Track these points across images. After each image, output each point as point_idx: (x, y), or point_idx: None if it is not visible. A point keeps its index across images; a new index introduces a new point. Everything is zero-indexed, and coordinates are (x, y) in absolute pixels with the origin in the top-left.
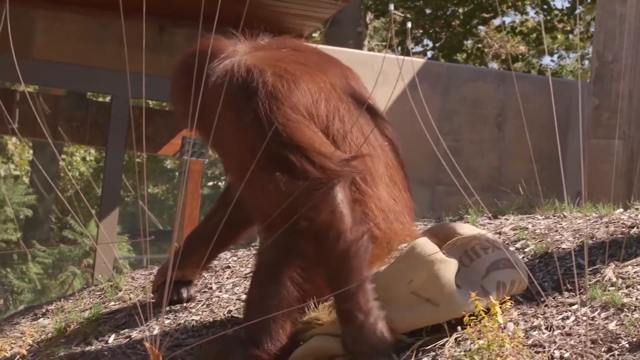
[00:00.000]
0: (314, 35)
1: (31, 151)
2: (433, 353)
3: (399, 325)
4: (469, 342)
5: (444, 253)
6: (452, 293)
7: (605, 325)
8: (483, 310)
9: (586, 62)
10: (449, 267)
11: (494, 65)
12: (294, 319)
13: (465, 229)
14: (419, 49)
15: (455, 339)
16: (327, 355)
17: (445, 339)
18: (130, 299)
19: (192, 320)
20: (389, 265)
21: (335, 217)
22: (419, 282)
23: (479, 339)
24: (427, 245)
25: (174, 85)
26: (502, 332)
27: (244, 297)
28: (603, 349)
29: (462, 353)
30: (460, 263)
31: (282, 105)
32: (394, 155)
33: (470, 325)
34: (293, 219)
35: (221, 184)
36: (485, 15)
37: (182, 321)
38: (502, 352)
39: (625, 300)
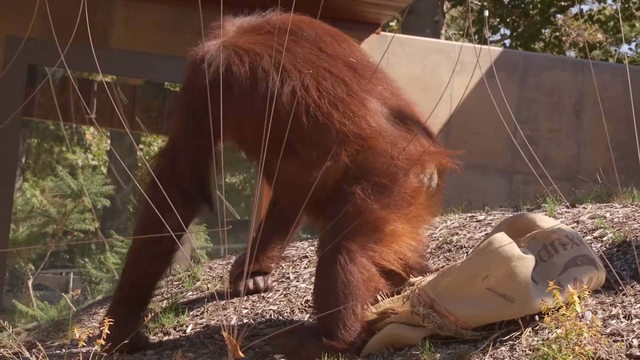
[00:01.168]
0: (391, 24)
1: (109, 141)
2: (511, 342)
3: (474, 319)
4: (546, 331)
5: (522, 245)
6: (528, 290)
7: None
8: (561, 301)
9: None
10: (525, 264)
11: (572, 53)
12: (365, 304)
13: (545, 221)
14: (496, 37)
15: (533, 328)
16: (403, 343)
17: (521, 330)
18: (208, 288)
19: (270, 309)
20: (466, 259)
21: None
22: (495, 278)
23: (556, 328)
24: (504, 241)
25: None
26: (580, 321)
27: None
28: None
29: (540, 342)
30: (538, 257)
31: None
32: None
33: (548, 314)
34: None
35: None
36: (563, 3)
37: (260, 311)
38: (580, 341)
39: None
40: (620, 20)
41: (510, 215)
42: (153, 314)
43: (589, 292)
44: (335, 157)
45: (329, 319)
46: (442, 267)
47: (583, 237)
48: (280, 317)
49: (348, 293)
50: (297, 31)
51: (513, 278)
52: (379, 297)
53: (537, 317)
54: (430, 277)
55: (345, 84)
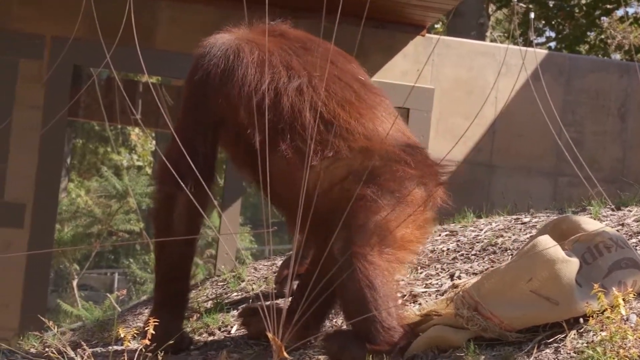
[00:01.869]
0: (436, 26)
1: (154, 142)
2: (555, 345)
3: (518, 322)
4: (591, 334)
5: (566, 248)
6: (572, 292)
7: None
8: (606, 303)
9: None
10: (570, 267)
11: (617, 56)
12: (396, 303)
13: (590, 224)
14: (541, 40)
15: (577, 331)
16: (447, 345)
17: (566, 333)
18: (252, 289)
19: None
20: (510, 262)
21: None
22: (539, 280)
23: (601, 330)
24: (548, 244)
25: None
26: (625, 324)
27: None
28: None
29: (585, 345)
30: (583, 260)
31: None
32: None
33: (592, 317)
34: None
35: None
36: (608, 6)
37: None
38: (625, 344)
39: None
40: None
41: (555, 217)
42: (198, 314)
43: (634, 294)
44: (335, 152)
45: (365, 325)
46: (486, 269)
47: (628, 240)
48: (326, 320)
49: (376, 296)
50: (309, 43)
51: (557, 281)
52: (422, 301)
53: (581, 320)
54: (474, 280)
55: (354, 91)
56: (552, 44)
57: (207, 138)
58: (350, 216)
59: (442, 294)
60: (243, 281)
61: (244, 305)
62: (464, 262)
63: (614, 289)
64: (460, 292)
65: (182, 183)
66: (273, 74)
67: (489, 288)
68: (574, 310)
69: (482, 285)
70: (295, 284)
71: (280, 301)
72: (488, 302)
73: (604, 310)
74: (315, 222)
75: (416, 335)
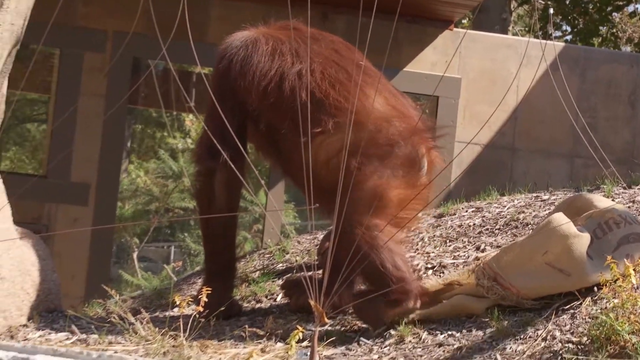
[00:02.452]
0: (463, 21)
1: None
2: (572, 311)
3: (534, 292)
4: (604, 301)
5: (578, 224)
6: (583, 265)
7: None
8: (618, 273)
9: None
10: (581, 241)
11: (627, 48)
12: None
13: (602, 202)
14: (557, 33)
15: (592, 298)
16: (468, 312)
17: (581, 300)
18: (296, 261)
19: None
20: (527, 237)
21: None
22: (553, 254)
23: (614, 298)
24: (562, 220)
25: None
26: (636, 292)
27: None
28: None
29: (599, 311)
30: (594, 235)
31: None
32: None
33: (605, 286)
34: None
35: None
36: (619, 2)
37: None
38: (636, 310)
39: None
40: None
41: (571, 195)
42: (246, 283)
43: None
44: (324, 128)
45: (378, 283)
46: (509, 242)
47: (638, 216)
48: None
49: (381, 255)
50: (318, 36)
51: (570, 254)
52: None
53: (595, 289)
54: (494, 253)
55: (348, 73)
56: (568, 37)
57: (235, 118)
58: (346, 187)
59: (469, 265)
60: (287, 253)
61: (287, 276)
62: (489, 236)
63: (622, 266)
64: (481, 264)
65: (218, 159)
66: (281, 61)
67: (508, 260)
68: (584, 281)
69: (501, 258)
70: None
71: (321, 272)
72: (507, 273)
73: (616, 280)
74: (322, 196)
75: (439, 302)
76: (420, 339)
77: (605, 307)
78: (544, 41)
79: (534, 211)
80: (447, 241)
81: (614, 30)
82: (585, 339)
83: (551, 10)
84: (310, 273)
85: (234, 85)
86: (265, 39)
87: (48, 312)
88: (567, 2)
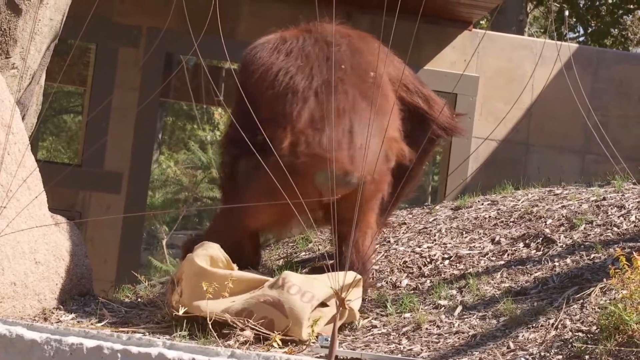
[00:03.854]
0: (481, 22)
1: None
2: (581, 301)
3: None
4: (613, 292)
5: None
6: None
7: None
8: (626, 264)
9: None
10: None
11: (638, 50)
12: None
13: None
14: (571, 35)
15: (601, 289)
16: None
17: (591, 289)
18: (318, 250)
19: (372, 269)
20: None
21: None
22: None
23: (622, 289)
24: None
25: None
26: None
27: (418, 249)
28: None
29: (607, 301)
30: None
31: None
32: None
33: (615, 277)
34: None
35: None
36: (630, 6)
37: None
38: None
39: None
40: None
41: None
42: (271, 271)
43: None
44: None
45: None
46: (523, 235)
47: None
48: (381, 276)
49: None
50: (340, 41)
51: None
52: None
53: (604, 280)
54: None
55: (348, 99)
56: (582, 38)
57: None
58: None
59: (484, 256)
60: (310, 242)
61: (310, 264)
62: (504, 228)
63: (635, 253)
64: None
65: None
66: (287, 62)
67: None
68: None
69: None
70: None
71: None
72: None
73: (625, 271)
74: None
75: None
76: (436, 326)
77: (614, 298)
78: (558, 42)
79: (547, 205)
80: (464, 233)
81: (625, 33)
82: (594, 328)
83: (567, 12)
84: (332, 261)
85: (255, 82)
86: (283, 42)
87: (80, 295)
88: (581, 5)
